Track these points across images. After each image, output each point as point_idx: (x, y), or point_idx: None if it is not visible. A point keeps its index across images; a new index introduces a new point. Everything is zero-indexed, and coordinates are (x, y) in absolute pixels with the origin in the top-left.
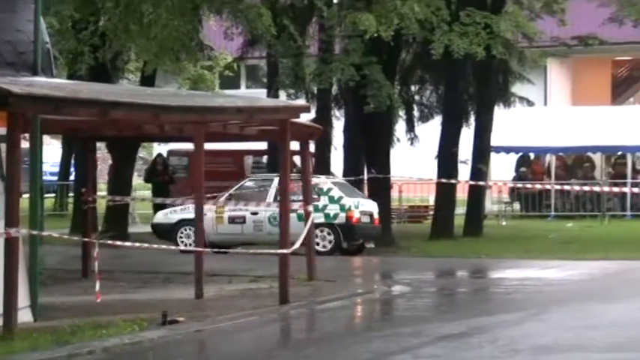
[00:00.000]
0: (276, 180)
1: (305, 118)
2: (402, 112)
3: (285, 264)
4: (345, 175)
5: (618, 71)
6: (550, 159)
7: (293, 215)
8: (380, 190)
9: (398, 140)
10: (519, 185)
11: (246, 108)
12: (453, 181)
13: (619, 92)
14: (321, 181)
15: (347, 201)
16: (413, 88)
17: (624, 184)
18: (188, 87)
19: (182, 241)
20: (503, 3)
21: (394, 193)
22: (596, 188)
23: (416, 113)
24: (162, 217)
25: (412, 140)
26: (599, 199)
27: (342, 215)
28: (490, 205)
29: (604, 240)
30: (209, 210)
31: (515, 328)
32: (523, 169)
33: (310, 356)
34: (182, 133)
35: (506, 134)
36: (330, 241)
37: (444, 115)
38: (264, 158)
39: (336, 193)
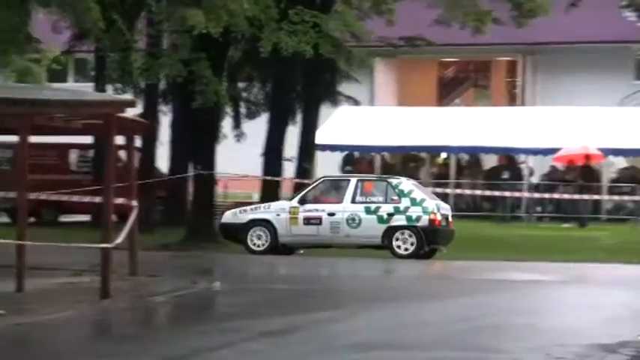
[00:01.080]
0: (354, 180)
1: (132, 113)
2: (229, 109)
3: (107, 258)
4: (171, 171)
5: (445, 72)
6: (375, 158)
7: (372, 217)
8: (205, 186)
9: (225, 136)
10: None
11: (71, 101)
12: (277, 178)
13: (445, 93)
14: (402, 182)
15: (429, 203)
16: (241, 84)
17: (447, 185)
18: (14, 80)
19: (252, 242)
20: (333, 2)
21: (219, 190)
22: None
23: (243, 110)
24: (231, 216)
25: (239, 137)
26: None
27: (425, 218)
28: None
29: None
30: (282, 210)
31: (334, 326)
32: (348, 167)
33: (130, 351)
34: (6, 125)
35: (333, 133)
36: (412, 244)
37: (271, 112)
38: (91, 152)
39: (417, 195)
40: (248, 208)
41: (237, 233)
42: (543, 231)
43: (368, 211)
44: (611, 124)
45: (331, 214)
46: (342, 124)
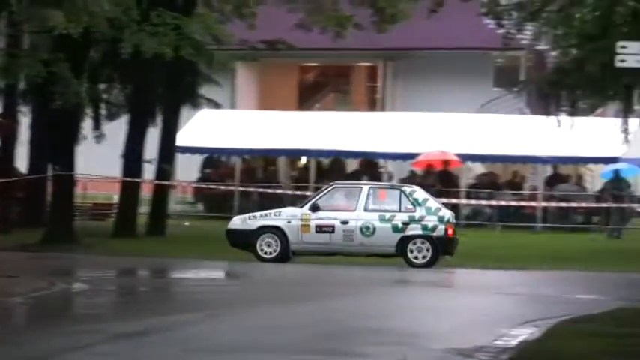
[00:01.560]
0: (366, 188)
1: None
2: (89, 110)
3: None
4: (30, 172)
5: (305, 77)
6: (235, 161)
7: (387, 226)
8: (64, 187)
9: (85, 138)
10: (203, 186)
11: None
12: (137, 179)
13: (306, 97)
14: (416, 191)
15: (445, 213)
16: (101, 86)
17: (307, 188)
18: None
19: (262, 249)
20: (194, 5)
21: (78, 191)
22: (279, 191)
23: (103, 111)
24: (239, 222)
25: (99, 138)
26: (282, 201)
27: (442, 228)
28: (174, 206)
29: None
30: (293, 217)
31: (194, 328)
32: (208, 170)
33: None
34: None
35: (193, 135)
36: (427, 252)
37: (131, 114)
38: None
39: (432, 204)
40: (257, 214)
41: (245, 240)
42: None
43: (382, 219)
44: (469, 131)
45: (344, 222)
46: (203, 127)
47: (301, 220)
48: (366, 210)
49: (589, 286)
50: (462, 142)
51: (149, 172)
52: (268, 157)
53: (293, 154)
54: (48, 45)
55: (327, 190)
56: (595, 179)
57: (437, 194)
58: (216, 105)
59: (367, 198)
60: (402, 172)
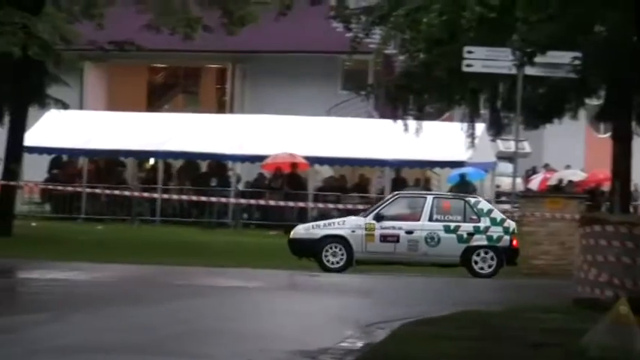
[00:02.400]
0: (430, 198)
1: None
2: None
3: None
4: None
5: (154, 78)
6: (83, 162)
7: (452, 236)
8: None
9: None
10: (51, 187)
11: None
12: None
13: (155, 99)
14: (480, 201)
15: (509, 224)
16: None
17: (155, 190)
18: None
19: (327, 260)
20: (42, 4)
21: None
22: (127, 192)
23: None
24: (303, 231)
25: None
26: (130, 203)
27: (507, 238)
28: (20, 206)
29: (133, 244)
30: (358, 227)
31: (41, 328)
32: (55, 170)
33: None
34: None
35: (41, 135)
36: (490, 265)
37: None
38: None
39: (497, 214)
40: (321, 223)
41: (309, 249)
42: (250, 238)
43: (447, 229)
44: (318, 133)
45: (409, 232)
46: (51, 127)
47: (366, 229)
48: (430, 220)
49: (432, 290)
50: (310, 145)
51: None
52: (116, 158)
53: (141, 156)
54: None
55: (390, 200)
56: (442, 183)
57: (285, 197)
58: (64, 105)
59: (431, 208)
60: (251, 175)
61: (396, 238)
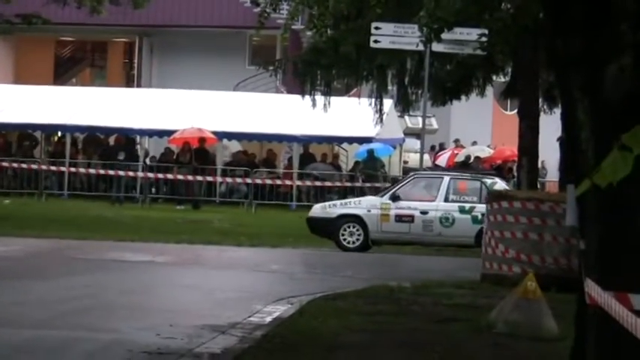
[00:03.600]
0: (447, 178)
1: None
2: None
3: None
4: None
5: (62, 51)
6: None
7: (467, 217)
8: None
9: None
10: None
11: None
12: None
13: (62, 72)
14: (497, 182)
15: None
16: None
17: (63, 164)
18: None
19: (344, 239)
20: None
21: None
22: (34, 166)
23: None
24: (320, 210)
25: None
26: (37, 176)
27: None
28: None
29: (40, 218)
30: (373, 207)
31: None
32: None
33: None
34: None
35: None
36: None
37: None
38: None
39: None
40: (338, 202)
41: (325, 228)
42: (158, 212)
43: (462, 210)
44: (226, 108)
45: (424, 213)
46: None
47: (381, 209)
48: (446, 200)
49: (341, 264)
50: (218, 120)
51: None
52: (26, 131)
53: (48, 129)
54: None
55: (407, 180)
56: (350, 159)
57: (193, 171)
58: None
59: (448, 188)
60: (158, 149)
61: (411, 219)
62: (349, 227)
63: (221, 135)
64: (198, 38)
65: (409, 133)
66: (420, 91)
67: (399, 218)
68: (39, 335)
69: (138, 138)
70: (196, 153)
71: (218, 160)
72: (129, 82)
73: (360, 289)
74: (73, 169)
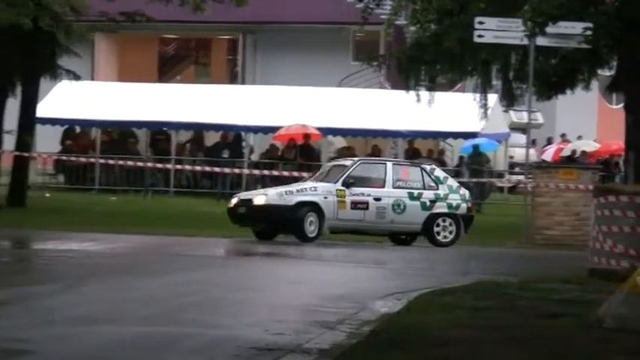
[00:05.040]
0: (390, 165)
1: None
2: None
3: None
4: None
5: (165, 49)
6: (96, 133)
7: (417, 204)
8: None
9: None
10: (64, 158)
11: None
12: None
13: (166, 70)
14: (435, 169)
15: (464, 191)
16: None
17: (168, 161)
18: None
19: (308, 230)
20: None
21: None
22: (140, 163)
23: None
24: (276, 197)
25: None
26: (142, 174)
27: (464, 206)
28: (34, 177)
29: (146, 215)
30: (330, 193)
31: (52, 299)
32: (69, 141)
33: None
34: None
35: (53, 106)
36: (451, 232)
37: None
38: None
39: (452, 182)
40: (293, 188)
41: (282, 216)
42: None
43: (412, 197)
44: (330, 104)
45: (377, 199)
46: (63, 99)
47: (337, 195)
48: (394, 187)
49: (444, 261)
50: (323, 116)
51: (9, 143)
52: (129, 129)
53: (154, 127)
54: None
55: (354, 166)
56: (455, 154)
57: (298, 168)
58: (76, 76)
59: (393, 174)
60: (263, 146)
61: (365, 205)
62: (310, 217)
63: (326, 131)
64: (302, 35)
65: (515, 127)
66: (524, 86)
67: (355, 205)
68: (147, 332)
69: (243, 135)
70: (301, 149)
71: (323, 157)
72: (232, 79)
73: (466, 284)
74: (178, 166)
